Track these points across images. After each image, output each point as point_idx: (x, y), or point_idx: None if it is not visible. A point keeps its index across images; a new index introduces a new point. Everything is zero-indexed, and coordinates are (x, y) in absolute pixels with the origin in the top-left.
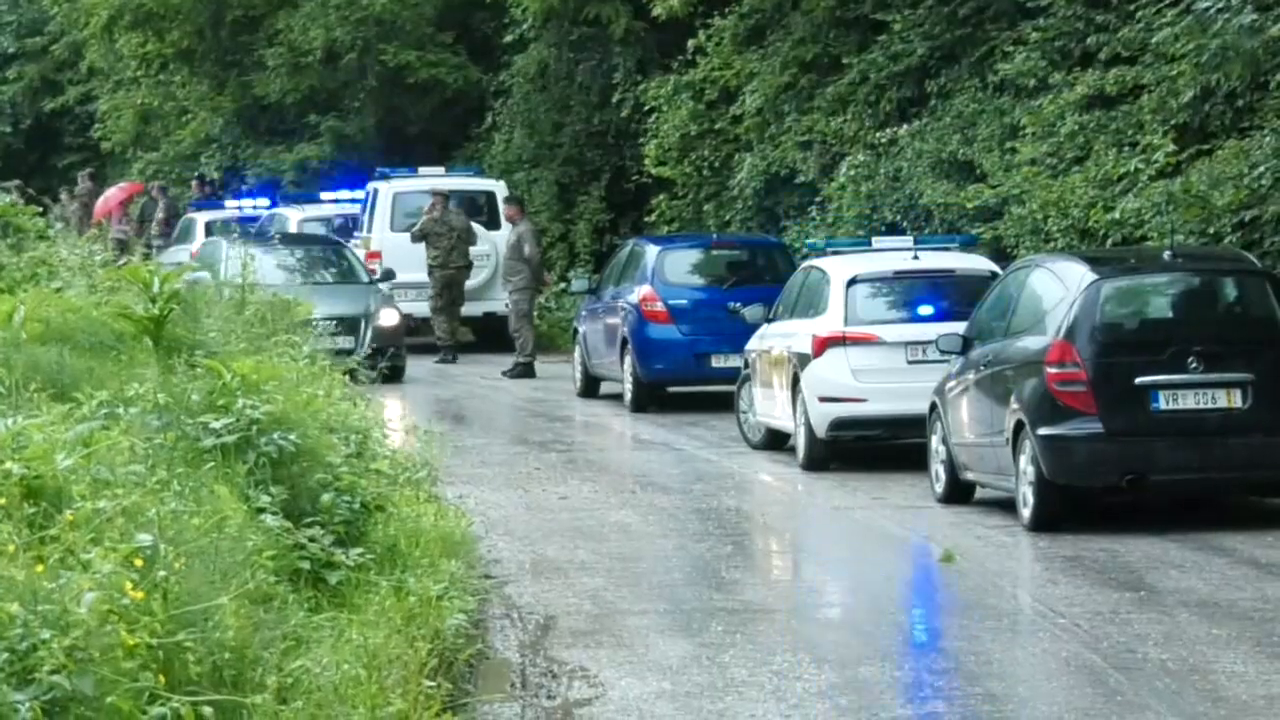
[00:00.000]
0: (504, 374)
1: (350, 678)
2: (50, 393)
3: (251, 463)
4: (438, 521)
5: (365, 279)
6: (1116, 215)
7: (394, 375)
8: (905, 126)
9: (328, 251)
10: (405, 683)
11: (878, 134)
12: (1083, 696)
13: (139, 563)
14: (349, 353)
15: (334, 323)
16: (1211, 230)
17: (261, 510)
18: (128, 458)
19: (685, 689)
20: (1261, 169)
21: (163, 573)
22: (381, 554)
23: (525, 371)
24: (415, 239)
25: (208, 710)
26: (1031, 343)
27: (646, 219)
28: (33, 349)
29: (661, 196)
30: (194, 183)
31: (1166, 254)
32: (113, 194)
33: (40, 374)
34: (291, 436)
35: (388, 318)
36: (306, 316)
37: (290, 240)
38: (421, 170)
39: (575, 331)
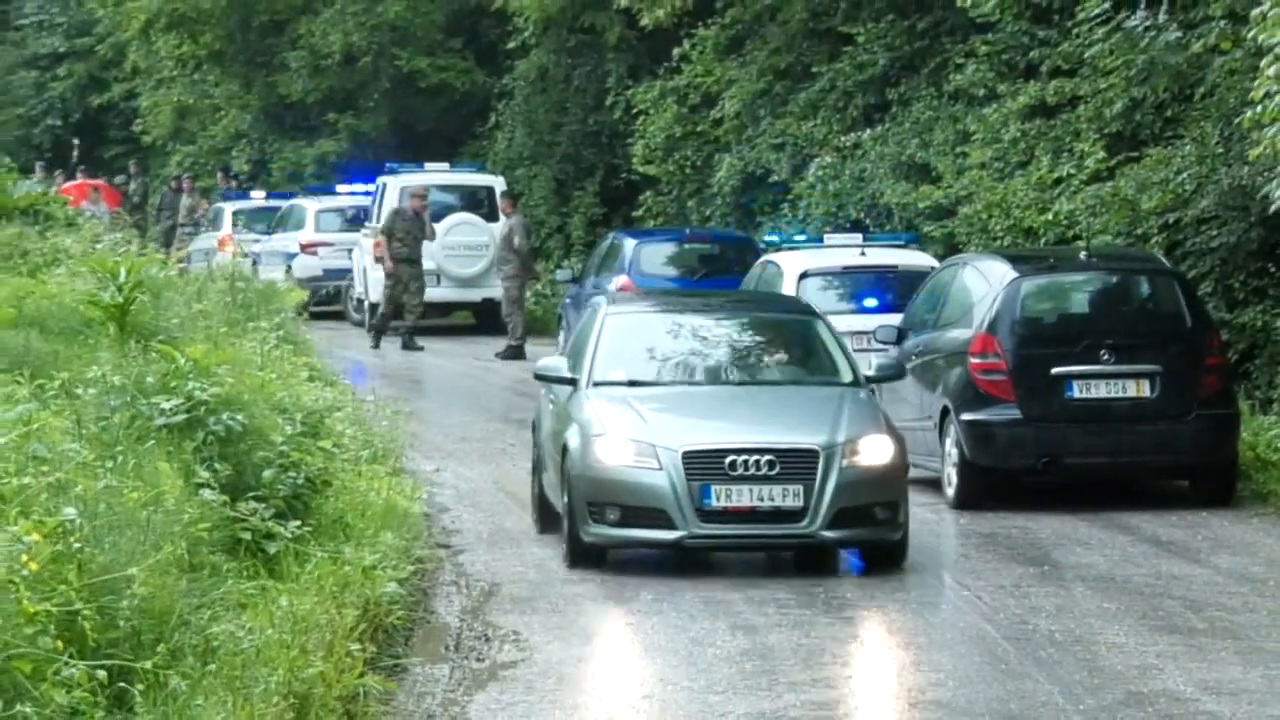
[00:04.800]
0: (496, 355)
1: (274, 641)
2: (16, 374)
3: (199, 441)
4: (389, 495)
5: (846, 374)
6: (1050, 216)
7: (892, 554)
8: (869, 131)
9: (784, 323)
10: (329, 646)
11: (844, 137)
12: (969, 664)
13: (37, 536)
14: (793, 517)
15: (766, 460)
16: (1139, 231)
17: (202, 486)
18: (69, 436)
19: (606, 654)
20: (1184, 175)
21: (78, 544)
22: (324, 526)
23: (516, 353)
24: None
25: (101, 674)
26: (958, 335)
27: (635, 213)
28: (2, 333)
29: (648, 193)
30: (219, 175)
31: (1083, 254)
32: (72, 186)
33: (7, 356)
34: (239, 417)
35: (875, 450)
36: (296, 303)
37: (711, 304)
38: (427, 165)
39: (559, 318)
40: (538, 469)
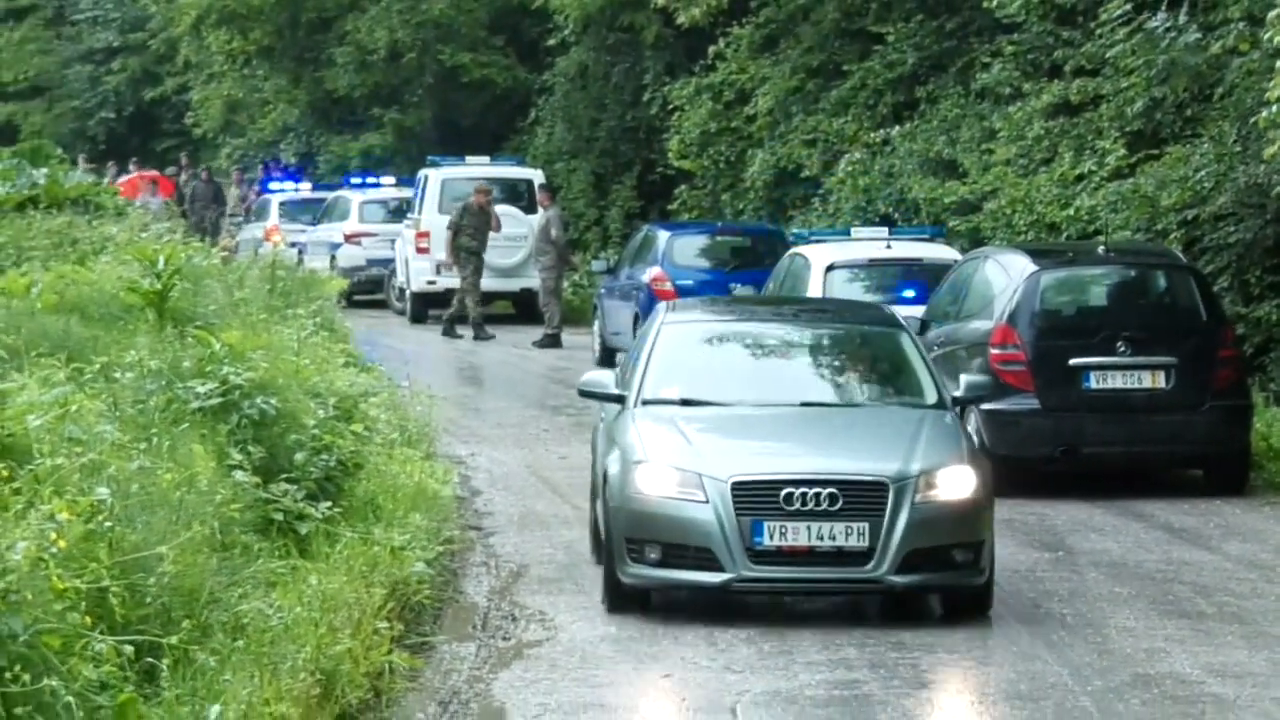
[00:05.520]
0: (534, 344)
1: (303, 619)
2: (55, 358)
3: (233, 424)
4: (420, 479)
5: (930, 394)
6: (1072, 212)
7: (974, 601)
8: (898, 128)
9: (863, 336)
10: (357, 624)
11: (874, 134)
12: (980, 646)
13: (65, 514)
14: (858, 560)
15: (827, 493)
16: (1158, 227)
17: (235, 467)
18: (104, 418)
19: (629, 633)
20: (1202, 173)
21: (108, 523)
22: (355, 507)
23: (553, 342)
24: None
25: (129, 649)
26: (979, 326)
27: (671, 207)
28: (44, 318)
29: (684, 187)
30: (260, 168)
31: (1101, 249)
32: (130, 179)
33: (48, 341)
34: (273, 401)
35: (954, 483)
36: (336, 291)
37: (781, 313)
38: (468, 159)
39: (595, 307)
40: (595, 494)
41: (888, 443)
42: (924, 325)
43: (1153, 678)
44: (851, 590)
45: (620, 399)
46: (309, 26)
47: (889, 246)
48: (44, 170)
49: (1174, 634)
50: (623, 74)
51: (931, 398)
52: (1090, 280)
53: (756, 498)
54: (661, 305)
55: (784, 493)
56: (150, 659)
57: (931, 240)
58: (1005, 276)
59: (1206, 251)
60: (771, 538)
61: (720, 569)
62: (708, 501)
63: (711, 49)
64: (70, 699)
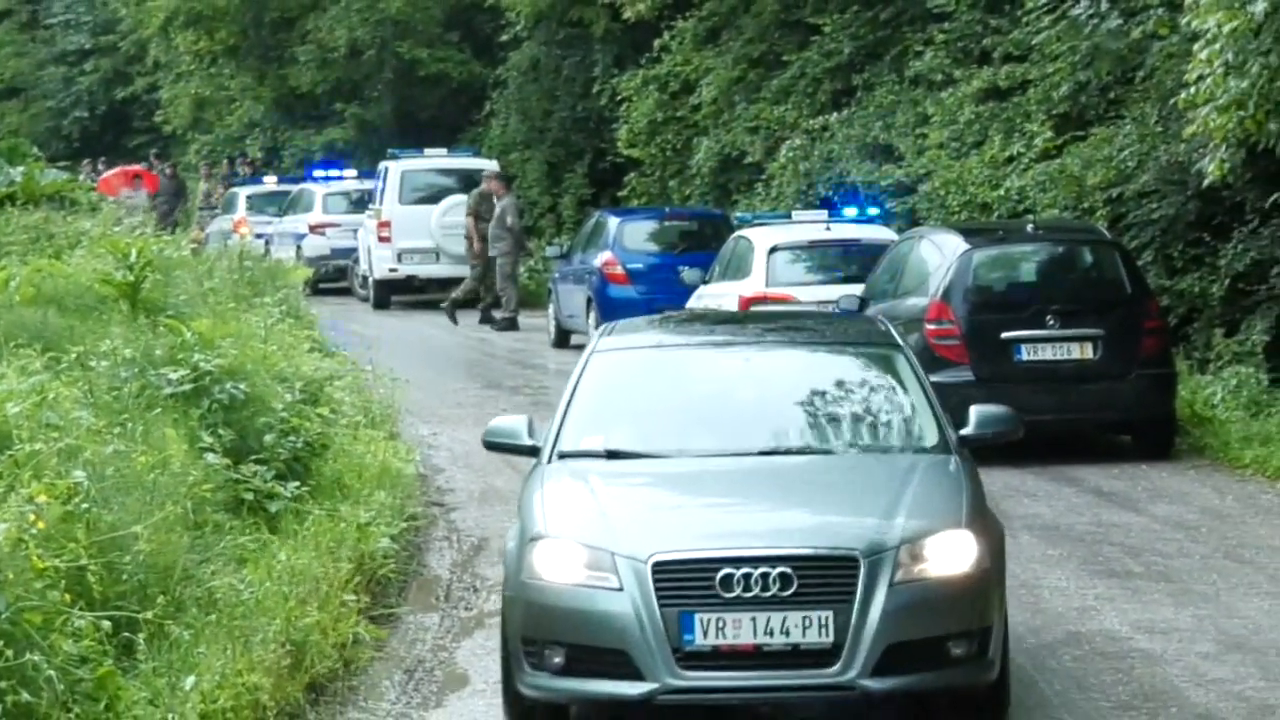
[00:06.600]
0: (492, 326)
1: (273, 593)
2: (33, 348)
3: (204, 409)
4: (385, 458)
5: (930, 434)
6: (1003, 192)
7: (986, 705)
8: (836, 115)
9: (848, 359)
10: (325, 597)
11: (813, 121)
12: None
13: (46, 498)
14: (820, 660)
15: (777, 573)
16: (1085, 205)
17: (206, 450)
18: (80, 405)
19: None
20: (1126, 152)
21: (85, 505)
22: (323, 486)
23: (510, 325)
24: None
25: (106, 624)
26: (915, 303)
27: (621, 193)
28: (22, 310)
29: (633, 174)
30: (225, 162)
31: (1030, 227)
32: (113, 174)
33: (26, 332)
34: (242, 386)
35: (948, 553)
36: (301, 280)
37: (746, 333)
38: (427, 151)
39: (550, 291)
40: None
41: (863, 502)
42: (863, 302)
43: (1084, 635)
44: (814, 699)
45: (534, 451)
46: (272, 26)
47: (828, 229)
48: (20, 168)
49: (1104, 593)
50: (573, 67)
51: (931, 439)
52: (1020, 257)
53: (685, 582)
54: (599, 330)
55: (721, 574)
56: (128, 633)
57: (874, 222)
58: (939, 255)
59: (1131, 228)
60: (705, 635)
61: (640, 677)
62: (622, 589)
63: (657, 42)
64: (52, 673)
